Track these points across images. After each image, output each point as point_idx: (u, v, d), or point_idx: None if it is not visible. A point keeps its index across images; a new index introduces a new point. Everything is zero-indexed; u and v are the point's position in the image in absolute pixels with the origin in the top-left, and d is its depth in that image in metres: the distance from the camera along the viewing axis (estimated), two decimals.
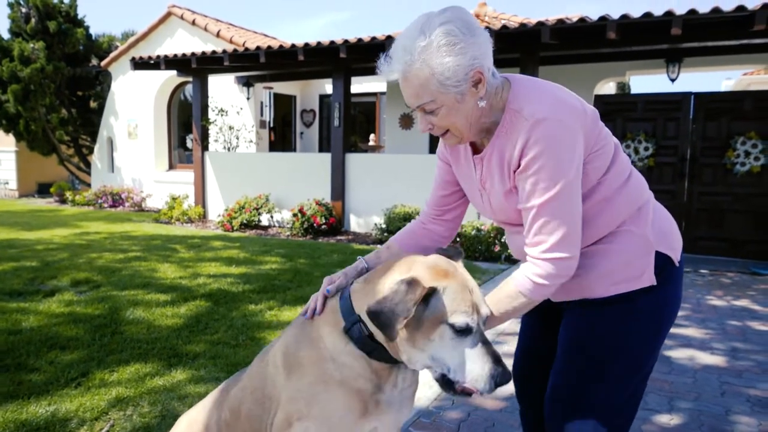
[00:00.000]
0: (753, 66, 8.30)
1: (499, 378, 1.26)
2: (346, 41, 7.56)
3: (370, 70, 9.81)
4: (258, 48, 8.33)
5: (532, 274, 1.36)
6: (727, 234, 7.62)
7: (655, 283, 1.44)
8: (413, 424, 2.72)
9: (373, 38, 7.42)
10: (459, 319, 1.26)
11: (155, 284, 4.86)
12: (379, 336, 1.32)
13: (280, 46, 8.15)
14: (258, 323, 3.91)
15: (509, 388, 3.20)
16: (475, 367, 1.26)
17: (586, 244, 1.45)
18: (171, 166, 12.76)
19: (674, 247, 1.48)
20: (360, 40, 7.49)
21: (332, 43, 7.67)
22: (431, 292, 1.26)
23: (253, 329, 3.78)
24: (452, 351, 1.28)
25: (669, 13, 5.90)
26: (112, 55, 12.74)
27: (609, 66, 8.26)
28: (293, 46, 8.03)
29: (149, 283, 4.87)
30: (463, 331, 1.26)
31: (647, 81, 70.43)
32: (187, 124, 12.50)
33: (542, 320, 1.74)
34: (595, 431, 1.50)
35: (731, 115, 7.57)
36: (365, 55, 8.09)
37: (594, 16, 6.49)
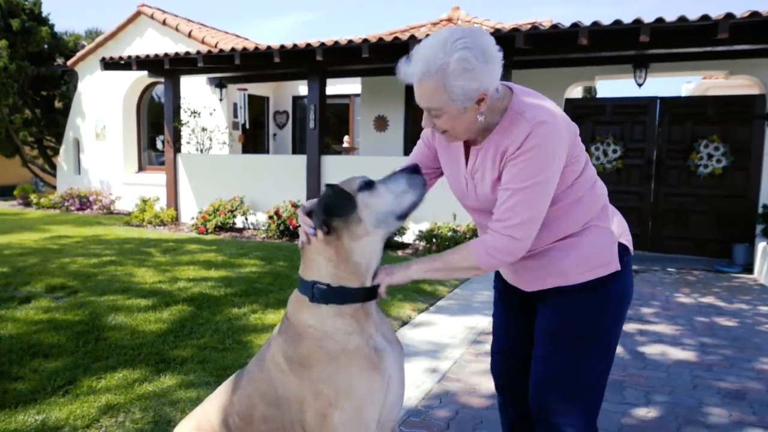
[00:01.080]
0: (714, 72, 8.64)
1: (416, 178, 1.58)
2: (322, 44, 7.57)
3: (346, 73, 9.86)
4: (233, 49, 8.28)
5: (488, 245, 1.53)
6: (692, 233, 7.92)
7: (620, 269, 1.65)
8: (403, 423, 2.79)
9: (350, 41, 7.45)
10: (361, 181, 1.54)
11: (134, 289, 4.80)
12: (329, 272, 1.49)
13: (256, 48, 8.11)
14: (243, 327, 3.92)
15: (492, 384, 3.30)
16: (398, 190, 1.57)
17: (561, 236, 1.64)
18: (141, 168, 12.53)
19: (629, 239, 1.72)
20: (336, 42, 7.52)
21: (308, 45, 7.68)
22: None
23: (239, 333, 3.79)
24: (379, 201, 1.52)
25: (638, 21, 6.11)
26: (78, 54, 12.44)
27: (579, 70, 8.48)
28: (269, 48, 8.00)
29: (128, 288, 4.81)
30: (368, 184, 1.53)
31: (612, 85, 72.14)
32: (156, 125, 12.31)
33: (514, 318, 1.93)
34: (582, 408, 1.68)
35: (695, 119, 7.87)
36: (341, 57, 8.13)
37: (562, 19, 6.69)
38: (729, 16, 5.80)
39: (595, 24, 6.32)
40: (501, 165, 1.54)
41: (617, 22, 6.26)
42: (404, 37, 7.28)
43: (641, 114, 8.12)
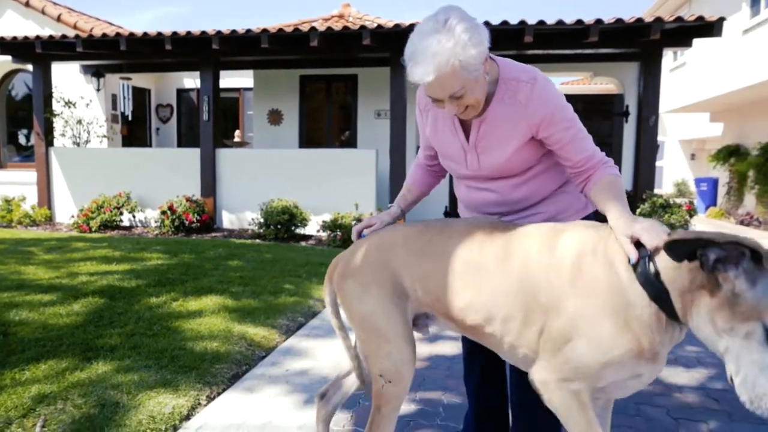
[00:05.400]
0: (583, 73, 9.65)
1: None
2: (219, 32, 7.38)
3: (241, 64, 9.65)
4: (118, 34, 7.77)
5: (611, 168, 1.66)
6: None
7: (595, 209, 1.88)
8: (358, 388, 2.89)
9: (248, 30, 7.35)
10: None
11: (30, 285, 4.39)
12: (667, 275, 1.29)
13: (145, 34, 7.69)
14: (167, 314, 3.77)
15: (428, 348, 3.53)
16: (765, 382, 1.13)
17: (545, 194, 1.83)
18: (1, 166, 11.26)
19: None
20: (234, 31, 7.37)
21: (204, 33, 7.44)
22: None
23: (165, 320, 3.64)
24: (754, 356, 1.15)
25: (522, 23, 6.72)
26: None
27: None
28: (159, 34, 7.63)
29: (22, 285, 4.39)
30: None
31: None
32: (16, 118, 11.14)
33: None
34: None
35: None
36: (237, 47, 7.97)
37: None
38: (598, 21, 6.58)
39: (486, 24, 6.83)
40: (536, 134, 1.67)
41: (504, 23, 6.83)
42: (304, 28, 7.33)
43: None
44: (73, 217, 8.66)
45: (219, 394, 2.76)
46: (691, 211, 7.12)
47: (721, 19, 6.54)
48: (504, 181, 1.78)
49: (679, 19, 6.60)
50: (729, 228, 12.13)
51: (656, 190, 8.09)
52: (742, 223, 12.46)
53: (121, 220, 8.56)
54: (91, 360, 2.93)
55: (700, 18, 6.50)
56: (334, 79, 10.24)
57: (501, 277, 1.56)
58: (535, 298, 1.50)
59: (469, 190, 1.92)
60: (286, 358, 3.31)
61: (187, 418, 2.47)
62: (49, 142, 9.13)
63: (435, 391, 2.85)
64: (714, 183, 14.88)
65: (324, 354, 3.37)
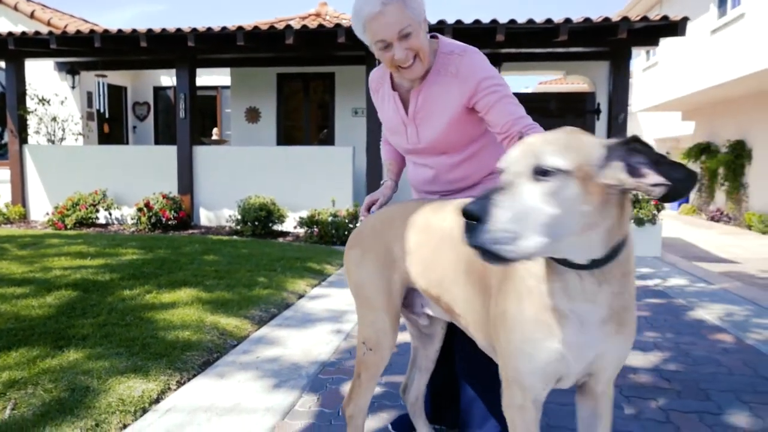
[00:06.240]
0: (555, 72, 9.85)
1: None
2: (194, 29, 7.41)
3: (217, 62, 9.67)
4: (92, 31, 7.75)
5: (537, 131, 1.69)
6: None
7: None
8: (322, 372, 2.99)
9: (224, 28, 7.38)
10: None
11: (3, 279, 4.39)
12: None
13: (119, 31, 7.67)
14: (141, 305, 3.82)
15: (399, 336, 3.62)
16: None
17: (481, 177, 1.94)
18: None
19: None
20: (210, 29, 7.40)
21: (179, 30, 7.46)
22: None
23: (138, 311, 3.69)
24: None
25: (494, 21, 6.85)
26: None
27: None
28: (134, 31, 7.62)
29: None
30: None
31: None
32: None
33: None
34: None
35: (540, 112, 8.92)
36: (213, 45, 8.00)
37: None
38: (567, 20, 6.75)
39: (458, 22, 6.96)
40: (468, 102, 1.77)
41: (477, 22, 6.96)
42: (280, 26, 7.38)
43: None
44: (48, 214, 8.60)
45: (189, 379, 2.82)
46: (659, 206, 7.32)
47: (685, 19, 6.74)
48: (443, 157, 1.88)
49: (644, 18, 6.79)
50: (699, 224, 12.46)
51: None
52: (712, 219, 12.80)
53: (97, 218, 8.52)
54: (62, 348, 2.98)
55: (665, 18, 6.70)
56: (312, 78, 10.31)
57: (458, 256, 1.55)
58: (483, 279, 1.48)
59: (414, 167, 2.03)
60: (258, 346, 3.38)
61: (157, 401, 2.54)
62: (23, 139, 9.05)
63: (400, 375, 2.95)
64: None
65: (296, 343, 3.45)
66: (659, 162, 1.09)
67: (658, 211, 7.32)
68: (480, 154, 1.89)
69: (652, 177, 1.09)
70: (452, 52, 1.79)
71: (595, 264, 1.19)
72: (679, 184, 1.07)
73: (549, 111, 8.90)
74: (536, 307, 1.29)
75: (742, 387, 2.83)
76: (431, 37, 1.84)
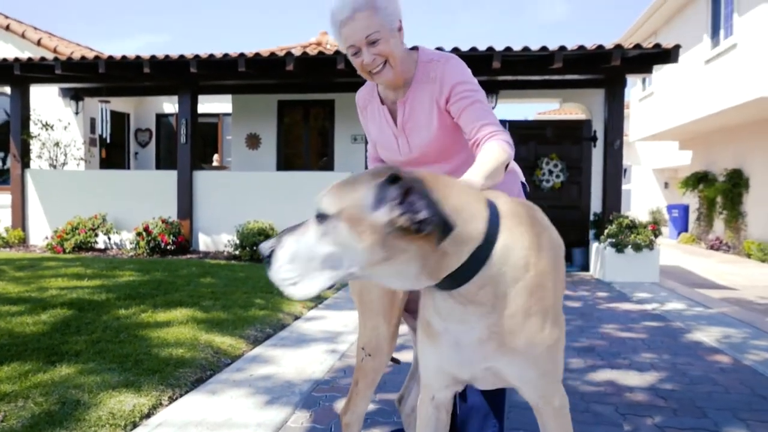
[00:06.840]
0: (551, 99, 9.97)
1: None
2: (197, 56, 7.55)
3: (219, 88, 9.81)
4: (97, 57, 7.90)
5: (503, 139, 1.66)
6: None
7: (524, 180, 2.05)
8: (315, 389, 2.97)
9: (226, 54, 7.52)
10: None
11: None
12: None
13: (123, 57, 7.82)
14: (135, 324, 3.81)
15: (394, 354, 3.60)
16: None
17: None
18: None
19: (524, 179, 2.08)
20: (212, 55, 7.54)
21: (182, 57, 7.60)
22: None
23: (132, 329, 3.68)
24: None
25: (491, 49, 6.99)
26: None
27: None
28: (138, 57, 7.77)
29: None
30: None
31: None
32: None
33: None
34: None
35: (537, 139, 9.03)
36: (215, 71, 8.14)
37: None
38: (562, 48, 6.88)
39: (455, 50, 7.09)
40: (445, 106, 1.80)
41: (473, 49, 7.10)
42: (281, 53, 7.52)
43: None
44: (47, 238, 8.62)
45: (181, 395, 2.80)
46: (656, 231, 7.33)
47: (677, 47, 6.87)
48: (435, 166, 1.90)
49: (638, 46, 6.92)
50: (699, 252, 12.44)
51: (627, 213, 8.32)
52: (712, 247, 12.79)
53: (96, 242, 8.54)
54: (54, 363, 2.96)
55: (657, 45, 6.83)
56: (312, 105, 10.44)
57: None
58: None
59: None
60: (252, 364, 3.36)
61: (148, 416, 2.52)
62: (26, 164, 9.13)
63: (394, 392, 2.92)
64: (685, 209, 15.29)
65: (290, 362, 3.43)
66: (426, 196, 1.10)
67: (656, 236, 7.34)
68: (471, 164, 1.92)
69: (422, 213, 1.09)
70: (432, 60, 1.83)
71: (442, 286, 1.22)
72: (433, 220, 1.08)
73: (546, 138, 8.98)
74: (422, 320, 1.41)
75: (739, 405, 2.81)
76: (413, 48, 1.89)
